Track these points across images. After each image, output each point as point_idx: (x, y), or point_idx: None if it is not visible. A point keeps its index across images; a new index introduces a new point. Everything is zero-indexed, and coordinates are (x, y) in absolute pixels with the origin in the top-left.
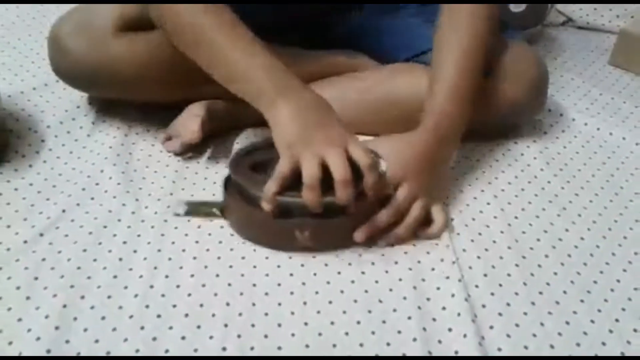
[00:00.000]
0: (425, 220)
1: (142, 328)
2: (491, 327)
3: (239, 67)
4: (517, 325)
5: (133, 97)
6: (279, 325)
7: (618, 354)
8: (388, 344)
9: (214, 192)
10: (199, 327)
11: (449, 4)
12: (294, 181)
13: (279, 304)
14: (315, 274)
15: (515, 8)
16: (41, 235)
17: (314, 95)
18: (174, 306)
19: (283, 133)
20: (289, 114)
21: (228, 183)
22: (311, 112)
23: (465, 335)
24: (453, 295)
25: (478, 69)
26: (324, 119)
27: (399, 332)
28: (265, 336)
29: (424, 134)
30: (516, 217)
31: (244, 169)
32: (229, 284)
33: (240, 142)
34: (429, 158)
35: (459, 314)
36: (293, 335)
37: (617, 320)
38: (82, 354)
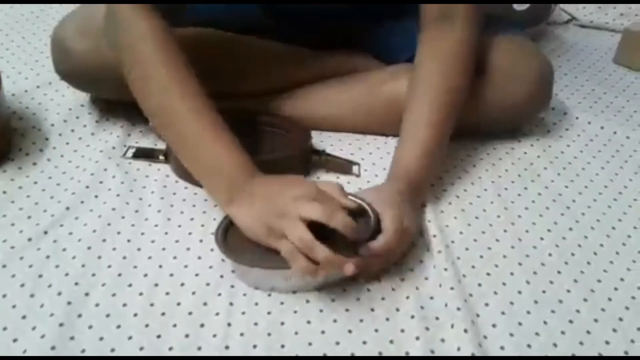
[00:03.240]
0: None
1: (147, 326)
2: (494, 326)
3: (201, 155)
4: (520, 323)
5: (134, 99)
6: (282, 323)
7: (622, 353)
8: (391, 342)
9: None
10: (202, 325)
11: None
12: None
13: (282, 303)
14: None
15: (519, 6)
16: (45, 233)
17: (264, 182)
18: (178, 304)
19: (248, 231)
20: (246, 216)
21: None
22: (265, 204)
23: (467, 333)
24: (455, 293)
25: (450, 118)
26: (279, 204)
27: (402, 330)
28: (269, 334)
29: (397, 184)
30: (519, 216)
31: None
32: (232, 286)
33: None
34: (403, 205)
35: (461, 313)
36: (296, 333)
37: (620, 319)
38: (87, 351)
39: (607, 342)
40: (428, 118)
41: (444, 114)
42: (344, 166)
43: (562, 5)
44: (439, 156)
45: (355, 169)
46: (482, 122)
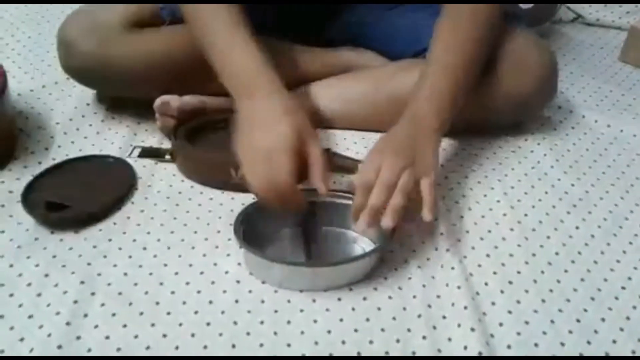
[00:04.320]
0: (417, 197)
1: (153, 325)
2: (501, 325)
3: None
4: (527, 322)
5: (141, 95)
6: (288, 322)
7: (629, 352)
8: (398, 341)
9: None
10: (208, 324)
11: (450, 3)
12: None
13: (288, 301)
14: None
15: (525, 5)
16: (52, 232)
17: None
18: (184, 303)
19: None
20: (247, 115)
21: (176, 131)
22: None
23: (473, 332)
24: (462, 292)
25: (470, 71)
26: (271, 126)
27: (409, 329)
28: (275, 333)
29: (403, 124)
30: (526, 215)
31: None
32: (238, 281)
33: None
34: (408, 141)
35: (468, 311)
36: (302, 332)
37: (628, 318)
38: (93, 350)
39: (614, 341)
40: (448, 61)
41: (465, 61)
42: (351, 165)
43: (568, 4)
44: (453, 102)
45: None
46: (489, 112)
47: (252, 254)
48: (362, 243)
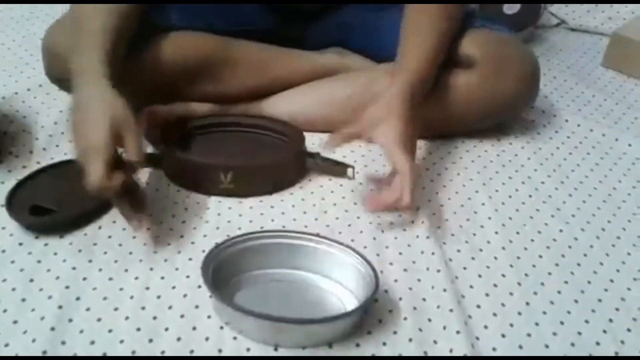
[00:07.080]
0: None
1: (138, 329)
2: (486, 327)
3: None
4: (511, 325)
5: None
6: None
7: (612, 354)
8: (384, 344)
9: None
10: (194, 328)
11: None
12: None
13: None
14: None
15: (509, 10)
16: (36, 237)
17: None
18: (170, 307)
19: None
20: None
21: (164, 137)
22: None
23: (459, 335)
24: (447, 295)
25: (448, 40)
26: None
27: (395, 332)
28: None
29: (407, 100)
30: (510, 218)
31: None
32: None
33: None
34: (414, 131)
35: (453, 314)
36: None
37: (611, 320)
38: (78, 355)
39: (597, 343)
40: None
41: (442, 31)
42: (339, 169)
43: (551, 9)
44: (438, 62)
45: (349, 171)
46: (471, 114)
47: (224, 304)
48: (341, 295)
